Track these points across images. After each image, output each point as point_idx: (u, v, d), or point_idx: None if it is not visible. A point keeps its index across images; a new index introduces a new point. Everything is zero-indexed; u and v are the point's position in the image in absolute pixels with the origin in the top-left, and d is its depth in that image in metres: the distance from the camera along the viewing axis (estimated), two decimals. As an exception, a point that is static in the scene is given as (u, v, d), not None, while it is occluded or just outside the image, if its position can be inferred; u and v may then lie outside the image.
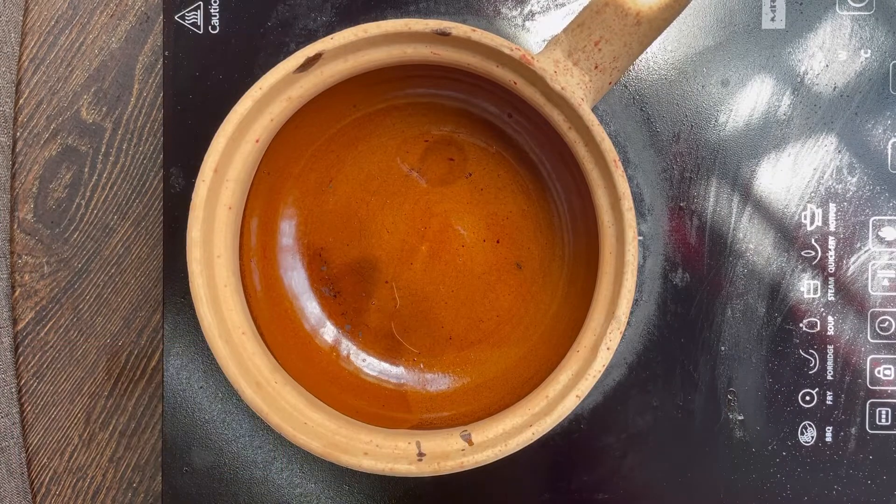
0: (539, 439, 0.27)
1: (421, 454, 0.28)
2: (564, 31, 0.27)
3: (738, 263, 0.33)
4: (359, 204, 0.32)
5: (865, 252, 0.33)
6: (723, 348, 0.33)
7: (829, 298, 0.33)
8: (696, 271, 0.33)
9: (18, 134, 0.39)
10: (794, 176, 0.33)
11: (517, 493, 0.34)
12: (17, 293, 0.39)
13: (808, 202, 0.33)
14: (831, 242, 0.33)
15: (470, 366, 0.32)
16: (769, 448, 0.33)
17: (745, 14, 0.33)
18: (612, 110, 0.33)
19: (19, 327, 0.39)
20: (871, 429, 0.33)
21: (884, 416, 0.33)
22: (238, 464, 0.34)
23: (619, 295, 0.27)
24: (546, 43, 0.33)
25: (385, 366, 0.33)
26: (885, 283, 0.33)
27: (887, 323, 0.33)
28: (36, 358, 0.39)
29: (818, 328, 0.33)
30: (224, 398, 0.34)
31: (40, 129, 0.39)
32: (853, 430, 0.33)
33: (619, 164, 0.26)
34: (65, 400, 0.39)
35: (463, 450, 0.28)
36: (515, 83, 0.27)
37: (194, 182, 0.27)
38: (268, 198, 0.31)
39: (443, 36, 0.27)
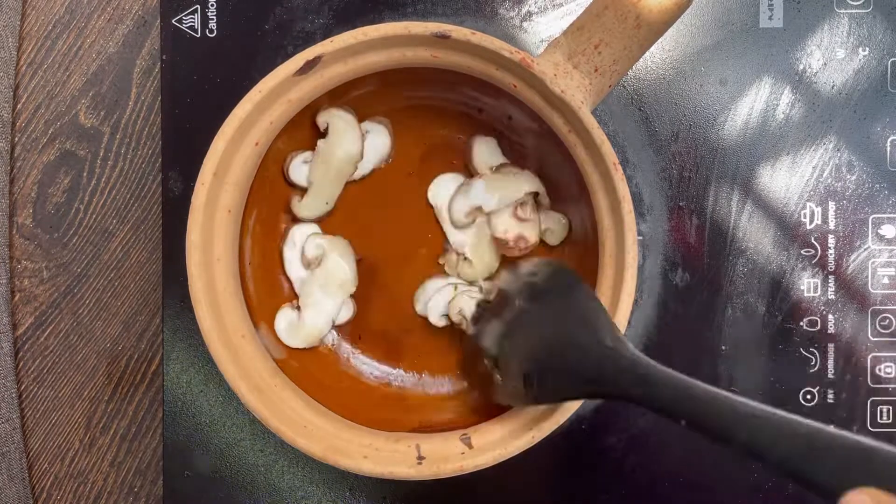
0: (541, 440, 0.27)
1: (420, 457, 0.28)
2: (564, 33, 0.27)
3: (737, 262, 0.33)
4: (358, 207, 0.32)
5: (865, 250, 0.33)
6: (723, 348, 0.33)
7: (830, 297, 0.33)
8: (696, 271, 0.33)
9: (17, 139, 0.38)
10: (793, 174, 0.33)
11: (519, 495, 0.34)
12: (16, 298, 0.39)
13: (807, 200, 0.33)
14: (831, 240, 0.33)
15: (470, 368, 0.32)
16: (770, 447, 0.33)
17: (742, 13, 0.33)
18: (610, 110, 0.33)
19: (19, 332, 0.39)
20: (872, 427, 0.33)
21: (885, 414, 0.33)
22: (239, 467, 0.34)
23: (619, 298, 0.27)
24: (545, 45, 0.33)
25: (385, 369, 0.33)
26: (885, 280, 0.33)
27: (888, 321, 0.33)
28: (36, 363, 0.39)
29: (818, 326, 0.33)
30: (224, 402, 0.34)
31: (38, 133, 0.38)
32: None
33: (619, 167, 0.26)
34: (65, 405, 0.39)
35: (463, 453, 0.28)
36: (515, 86, 0.27)
37: (193, 186, 0.27)
38: (267, 201, 0.31)
39: (442, 38, 0.26)
